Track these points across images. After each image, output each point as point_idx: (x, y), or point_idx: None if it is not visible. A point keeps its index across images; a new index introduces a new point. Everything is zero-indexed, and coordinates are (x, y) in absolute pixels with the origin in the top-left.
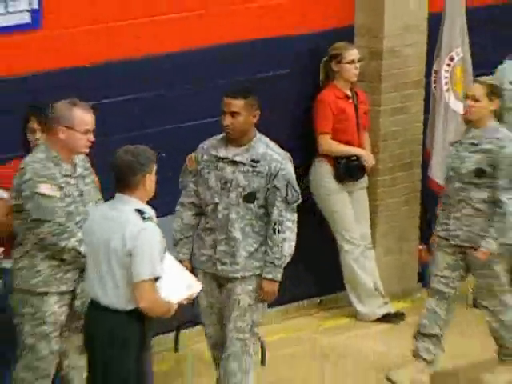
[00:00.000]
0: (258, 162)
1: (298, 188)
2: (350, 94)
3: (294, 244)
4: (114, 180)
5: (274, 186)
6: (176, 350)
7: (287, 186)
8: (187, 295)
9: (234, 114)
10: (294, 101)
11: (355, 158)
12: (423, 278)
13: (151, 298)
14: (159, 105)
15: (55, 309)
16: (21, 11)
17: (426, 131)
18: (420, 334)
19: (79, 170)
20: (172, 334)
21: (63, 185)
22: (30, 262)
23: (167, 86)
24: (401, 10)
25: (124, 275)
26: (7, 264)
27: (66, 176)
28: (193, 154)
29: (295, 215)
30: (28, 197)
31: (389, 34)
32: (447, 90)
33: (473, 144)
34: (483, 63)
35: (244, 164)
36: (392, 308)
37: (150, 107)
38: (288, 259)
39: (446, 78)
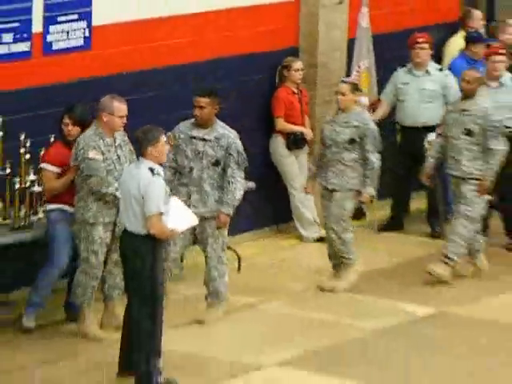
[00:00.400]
0: (219, 138)
1: (245, 155)
2: (296, 91)
3: (242, 192)
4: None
5: (230, 154)
6: (181, 260)
7: (238, 154)
8: (187, 226)
9: (201, 108)
10: (261, 95)
11: (300, 133)
12: None
13: (158, 226)
14: (166, 100)
15: (101, 234)
16: (79, 37)
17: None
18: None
19: (118, 141)
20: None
21: (105, 152)
22: (84, 203)
23: (170, 87)
24: (329, 36)
25: (140, 211)
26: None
27: (107, 146)
28: (170, 133)
29: (243, 174)
30: (81, 160)
31: (321, 52)
32: None
33: (345, 122)
34: (385, 70)
35: (210, 140)
36: (323, 233)
37: (161, 102)
38: (238, 202)
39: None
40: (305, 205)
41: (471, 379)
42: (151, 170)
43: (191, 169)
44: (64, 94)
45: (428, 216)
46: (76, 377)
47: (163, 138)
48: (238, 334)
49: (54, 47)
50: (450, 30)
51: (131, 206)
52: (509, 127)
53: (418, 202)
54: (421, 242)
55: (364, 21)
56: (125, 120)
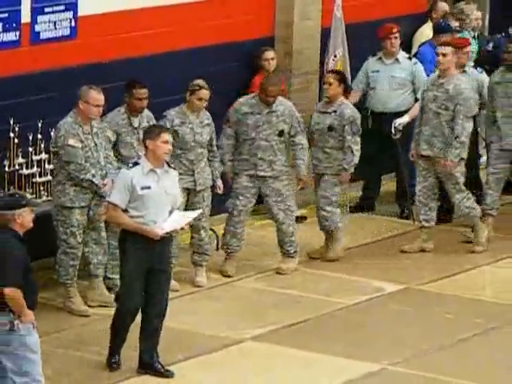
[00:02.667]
0: (208, 122)
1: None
2: None
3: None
4: None
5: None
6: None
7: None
8: (186, 222)
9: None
10: (240, 82)
11: None
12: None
13: (107, 214)
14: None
15: (78, 217)
16: (65, 27)
17: (320, 100)
18: None
19: (95, 130)
20: None
21: (83, 139)
22: (62, 187)
23: (151, 76)
24: (303, 25)
25: None
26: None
27: (85, 133)
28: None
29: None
30: (61, 146)
31: (296, 41)
32: None
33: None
34: (357, 59)
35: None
36: (298, 213)
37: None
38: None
39: (331, 68)
40: None
41: (440, 352)
42: (133, 163)
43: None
44: (51, 81)
45: (397, 198)
46: (63, 351)
47: (165, 136)
48: (216, 310)
49: (42, 36)
50: (419, 20)
51: None
52: None
53: (389, 185)
54: (390, 223)
55: (338, 11)
56: (101, 109)
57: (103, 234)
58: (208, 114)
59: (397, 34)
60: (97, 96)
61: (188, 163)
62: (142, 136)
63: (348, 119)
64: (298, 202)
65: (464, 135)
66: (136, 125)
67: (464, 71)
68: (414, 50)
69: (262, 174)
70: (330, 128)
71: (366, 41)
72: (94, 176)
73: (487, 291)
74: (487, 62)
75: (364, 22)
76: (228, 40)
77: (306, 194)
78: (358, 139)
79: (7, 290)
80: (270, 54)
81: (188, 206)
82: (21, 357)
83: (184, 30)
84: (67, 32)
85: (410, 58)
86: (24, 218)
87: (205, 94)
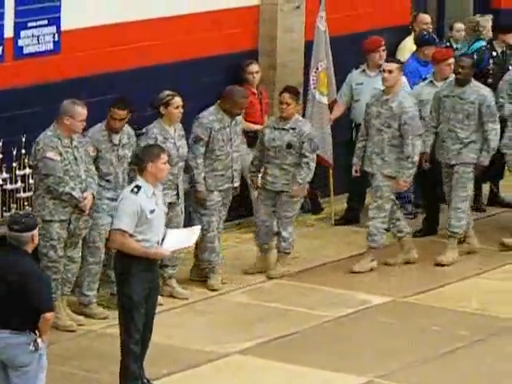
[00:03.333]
0: (183, 133)
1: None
2: (256, 91)
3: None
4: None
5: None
6: None
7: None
8: (193, 241)
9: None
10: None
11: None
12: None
13: (117, 243)
14: (132, 101)
15: (58, 230)
16: (48, 42)
17: (304, 114)
18: None
19: (74, 143)
20: None
21: (63, 152)
22: (41, 201)
23: (135, 90)
24: (287, 39)
25: None
26: None
27: (65, 147)
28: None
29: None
30: (40, 159)
31: (280, 54)
32: (314, 88)
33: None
34: (340, 72)
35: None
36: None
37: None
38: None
39: (313, 80)
40: None
41: (426, 365)
42: (135, 187)
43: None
44: (34, 96)
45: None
46: (49, 366)
47: (165, 156)
48: (202, 324)
49: (25, 51)
50: (402, 32)
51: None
52: None
53: None
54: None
55: (322, 24)
56: (84, 123)
57: (78, 250)
58: (180, 125)
59: (384, 47)
60: (82, 111)
61: (172, 178)
62: (121, 153)
63: (306, 136)
64: None
65: (416, 154)
66: (116, 142)
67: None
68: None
69: (236, 185)
70: (289, 145)
71: (349, 53)
72: (73, 189)
73: (473, 303)
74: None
75: (347, 35)
76: (212, 53)
77: None
78: (315, 156)
79: (50, 315)
80: (254, 67)
81: (168, 220)
82: (33, 376)
83: (168, 44)
84: (51, 46)
85: None
86: (37, 238)
87: (179, 100)
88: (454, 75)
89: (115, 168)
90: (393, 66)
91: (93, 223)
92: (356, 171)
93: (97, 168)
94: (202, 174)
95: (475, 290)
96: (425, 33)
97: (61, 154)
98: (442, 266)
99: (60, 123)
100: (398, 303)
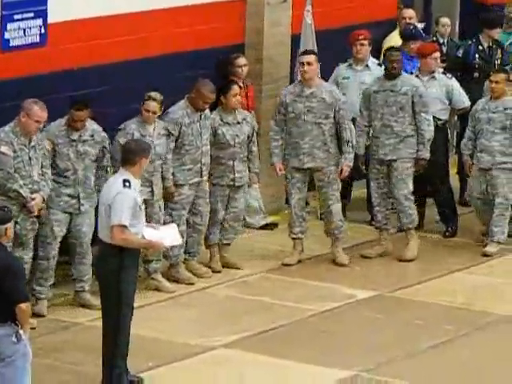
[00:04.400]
0: (164, 133)
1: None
2: (242, 85)
3: None
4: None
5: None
6: None
7: None
8: (177, 241)
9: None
10: None
11: None
12: (287, 200)
13: (118, 237)
14: (116, 95)
15: None
16: (35, 34)
17: None
18: None
19: (33, 143)
20: None
21: (17, 150)
22: None
23: (119, 83)
24: (274, 32)
25: (107, 220)
26: None
27: (20, 144)
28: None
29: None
30: None
31: (266, 47)
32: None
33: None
34: (326, 65)
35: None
36: (269, 219)
37: (111, 96)
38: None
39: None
40: (250, 194)
41: (411, 359)
42: (125, 181)
43: None
44: (21, 89)
45: (368, 204)
46: (33, 359)
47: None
48: (187, 317)
49: (12, 44)
50: (389, 26)
51: (102, 213)
52: (440, 119)
53: (359, 191)
54: (360, 229)
55: (308, 17)
56: (40, 125)
57: (29, 251)
58: (162, 123)
59: (363, 41)
60: (39, 112)
61: (147, 175)
62: (80, 149)
63: (255, 129)
64: (268, 208)
65: (354, 138)
66: (74, 137)
67: (433, 77)
68: (383, 57)
69: (205, 178)
70: (249, 137)
71: (336, 47)
72: (21, 187)
73: (458, 298)
74: (457, 68)
75: (334, 29)
76: (199, 47)
77: (277, 202)
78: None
79: (25, 306)
80: (242, 60)
81: (146, 217)
82: (20, 367)
83: (155, 37)
84: (37, 39)
85: (380, 65)
86: (11, 231)
87: (152, 106)
88: (384, 70)
89: (73, 164)
90: (311, 57)
91: (46, 218)
92: (281, 169)
93: (55, 164)
94: (171, 170)
95: (461, 284)
96: (411, 27)
97: (15, 151)
98: (408, 261)
99: (18, 120)
100: (383, 297)
